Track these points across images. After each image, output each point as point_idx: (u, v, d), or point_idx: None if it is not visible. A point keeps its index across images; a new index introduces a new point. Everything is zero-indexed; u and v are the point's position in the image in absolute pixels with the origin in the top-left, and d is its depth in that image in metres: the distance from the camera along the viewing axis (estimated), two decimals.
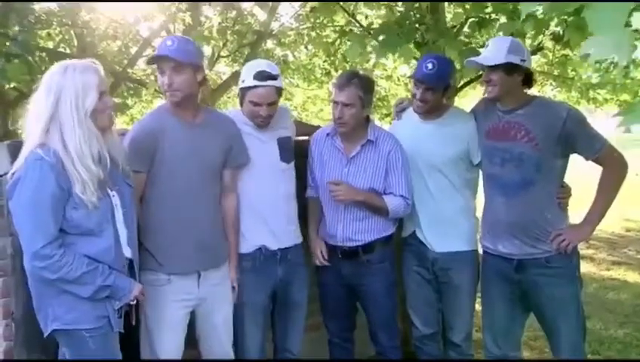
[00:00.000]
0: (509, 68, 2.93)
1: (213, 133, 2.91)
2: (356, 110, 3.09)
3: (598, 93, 11.21)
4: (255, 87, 2.97)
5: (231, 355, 3.02)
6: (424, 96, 3.14)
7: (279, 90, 3.05)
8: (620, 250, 8.09)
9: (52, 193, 2.29)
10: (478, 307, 3.35)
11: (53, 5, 8.54)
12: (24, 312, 2.74)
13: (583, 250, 7.77)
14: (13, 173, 2.36)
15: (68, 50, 10.38)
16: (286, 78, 14.36)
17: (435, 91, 3.14)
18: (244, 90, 3.02)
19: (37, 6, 8.36)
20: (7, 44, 5.97)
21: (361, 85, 3.09)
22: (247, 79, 3.00)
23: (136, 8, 8.89)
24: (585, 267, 7.02)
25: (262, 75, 2.98)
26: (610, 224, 9.24)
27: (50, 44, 10.62)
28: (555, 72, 10.37)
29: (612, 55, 1.48)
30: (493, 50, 2.98)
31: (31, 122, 2.38)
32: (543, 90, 12.59)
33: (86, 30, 8.58)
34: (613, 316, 5.37)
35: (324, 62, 12.87)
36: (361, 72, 3.33)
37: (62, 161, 2.31)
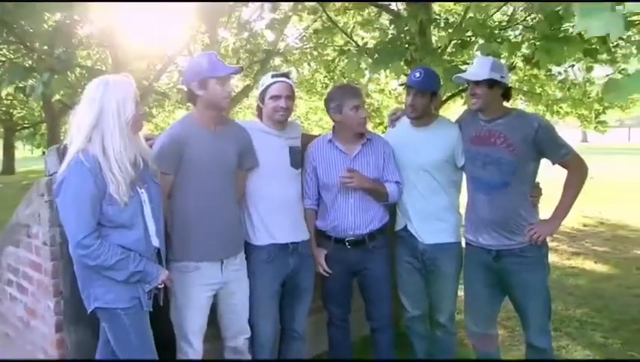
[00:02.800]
0: (491, 83, 2.95)
1: (230, 139, 2.90)
2: None
3: (561, 108, 11.21)
4: (274, 83, 3.04)
5: (247, 330, 3.01)
6: (414, 100, 3.16)
7: (293, 90, 3.12)
8: (578, 242, 8.08)
9: (90, 192, 2.31)
10: (460, 292, 3.34)
11: (94, 30, 8.56)
12: (71, 291, 2.76)
13: (548, 242, 7.77)
14: (58, 174, 2.38)
15: (104, 68, 10.40)
16: None
17: (423, 95, 3.14)
18: (264, 92, 3.06)
19: (80, 30, 8.39)
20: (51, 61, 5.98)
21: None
22: (266, 81, 3.09)
23: (163, 30, 8.91)
24: (549, 257, 7.00)
25: (278, 74, 3.13)
26: (570, 220, 9.23)
27: (89, 63, 10.64)
28: (525, 88, 10.38)
29: (606, 32, 1.34)
30: (478, 67, 3.01)
31: (74, 129, 2.38)
32: (514, 103, 12.60)
33: (119, 50, 8.57)
34: (572, 298, 5.38)
35: (325, 77, 12.92)
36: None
37: (99, 165, 2.32)
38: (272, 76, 3.09)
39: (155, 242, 2.55)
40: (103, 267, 2.35)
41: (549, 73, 8.86)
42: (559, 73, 9.60)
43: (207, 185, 2.79)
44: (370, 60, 5.17)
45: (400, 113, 3.44)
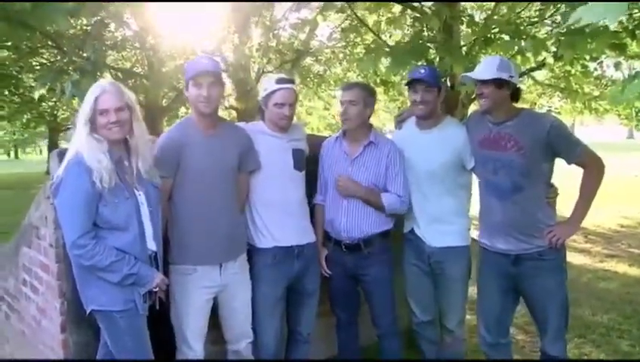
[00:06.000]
0: (498, 83, 2.83)
1: (229, 142, 2.86)
2: (360, 108, 3.07)
3: (600, 105, 10.78)
4: (279, 89, 2.95)
5: (249, 334, 2.97)
6: (424, 96, 3.03)
7: (297, 95, 3.07)
8: (614, 244, 7.75)
9: (86, 192, 2.32)
10: (475, 296, 3.23)
11: (128, 33, 8.69)
12: (73, 292, 2.75)
13: (581, 244, 7.54)
14: (56, 175, 2.41)
15: (140, 70, 10.58)
16: (324, 90, 14.36)
17: (431, 90, 3.03)
18: (267, 97, 2.98)
19: (115, 33, 8.55)
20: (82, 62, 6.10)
21: (364, 88, 3.14)
22: (269, 86, 2.99)
23: (195, 32, 8.97)
24: (581, 259, 6.79)
25: (283, 80, 3.01)
26: (608, 220, 8.90)
27: (128, 65, 10.83)
28: (562, 85, 10.03)
29: (603, 18, 1.29)
30: (485, 67, 2.90)
31: (74, 129, 2.44)
32: (552, 100, 12.18)
33: (152, 52, 8.68)
34: (600, 303, 5.15)
35: (358, 75, 12.77)
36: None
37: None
38: (277, 82, 2.99)
39: (152, 245, 2.54)
40: (97, 268, 2.37)
41: (583, 69, 8.49)
42: (595, 69, 9.21)
43: (206, 189, 2.77)
44: (390, 59, 5.01)
45: (406, 114, 3.34)
